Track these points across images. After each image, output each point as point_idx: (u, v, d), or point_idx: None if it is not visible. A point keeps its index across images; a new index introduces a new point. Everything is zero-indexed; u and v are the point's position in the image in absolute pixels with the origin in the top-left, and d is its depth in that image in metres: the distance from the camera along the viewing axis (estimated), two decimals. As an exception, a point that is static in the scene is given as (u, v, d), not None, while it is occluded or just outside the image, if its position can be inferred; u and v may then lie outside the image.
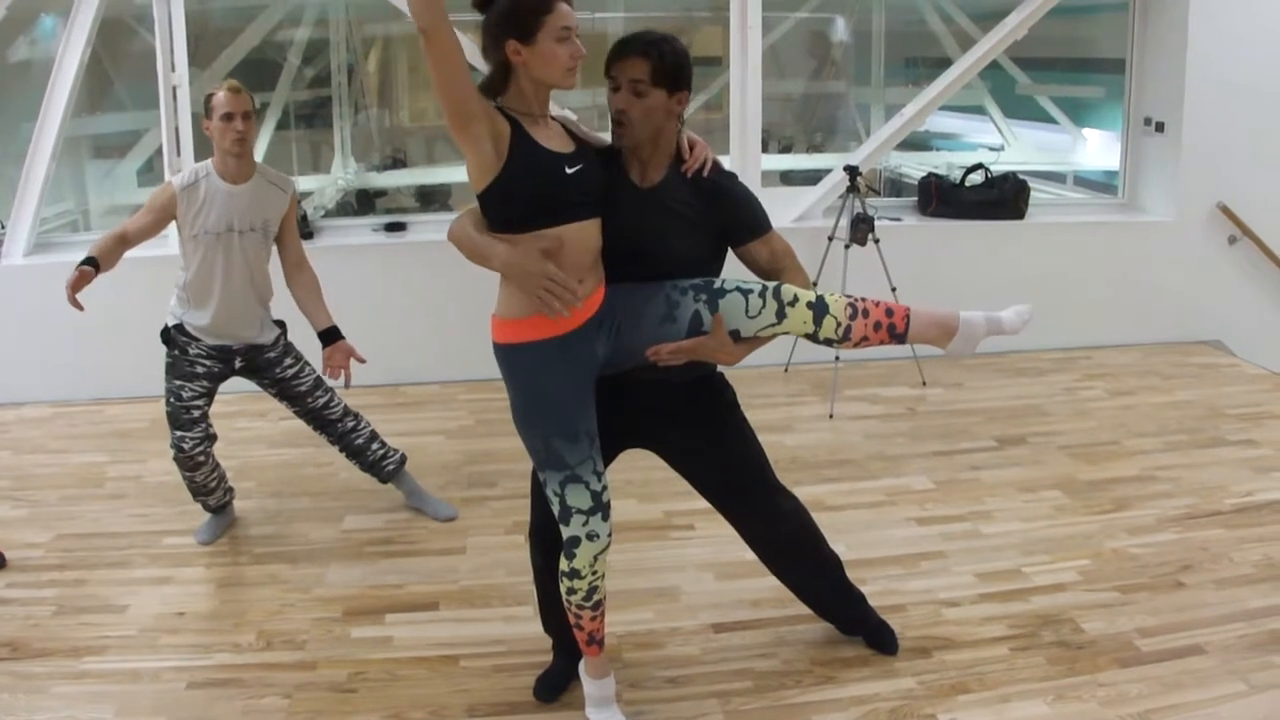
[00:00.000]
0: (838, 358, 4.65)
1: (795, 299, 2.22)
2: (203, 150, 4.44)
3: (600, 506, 2.21)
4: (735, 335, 2.22)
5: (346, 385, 3.30)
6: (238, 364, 3.32)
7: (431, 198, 6.68)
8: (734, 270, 2.33)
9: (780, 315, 2.21)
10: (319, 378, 3.42)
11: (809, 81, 7.32)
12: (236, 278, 3.20)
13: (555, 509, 2.23)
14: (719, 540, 3.09)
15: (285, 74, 6.33)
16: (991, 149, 6.68)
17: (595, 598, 2.31)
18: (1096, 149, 6.52)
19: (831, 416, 4.49)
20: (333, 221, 5.39)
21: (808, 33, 7.12)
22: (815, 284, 2.39)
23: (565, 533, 2.23)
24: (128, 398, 4.69)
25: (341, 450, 3.53)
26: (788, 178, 6.55)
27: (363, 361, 3.24)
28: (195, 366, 3.23)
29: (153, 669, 2.69)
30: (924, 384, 4.87)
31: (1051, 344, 5.29)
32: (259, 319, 3.31)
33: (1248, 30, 5.14)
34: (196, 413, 3.21)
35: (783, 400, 4.72)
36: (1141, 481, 3.77)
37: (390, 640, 2.83)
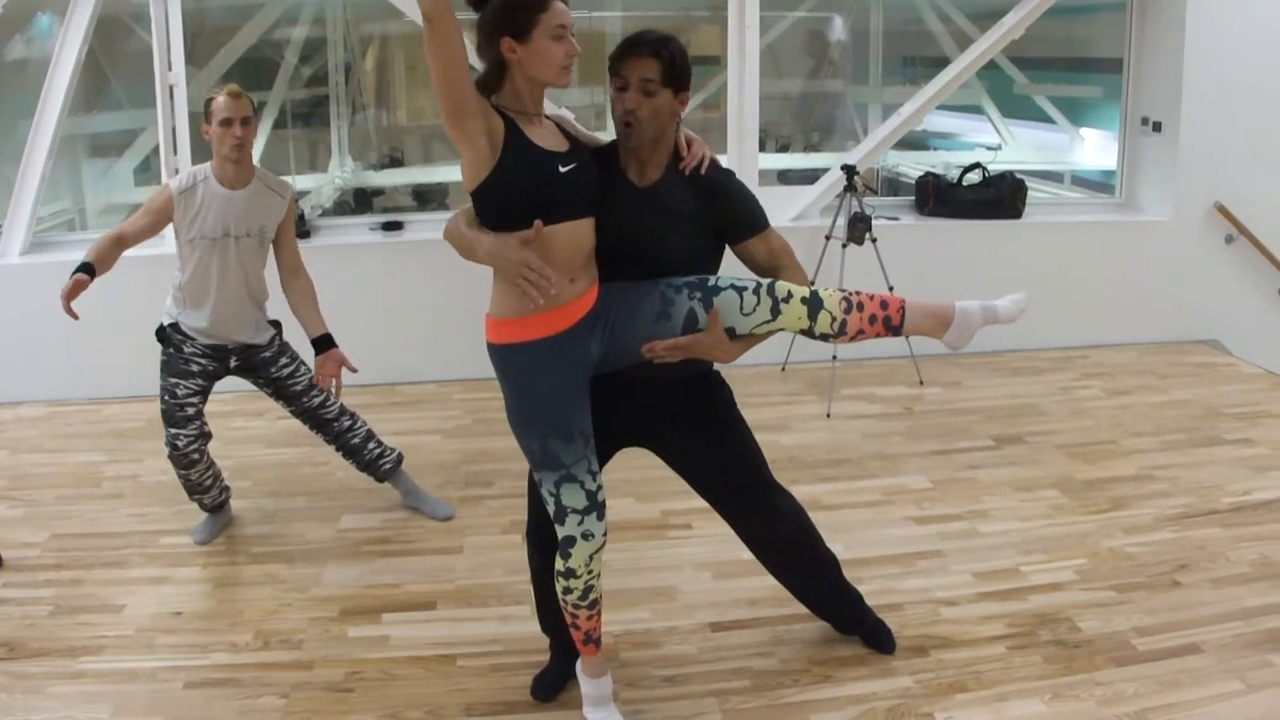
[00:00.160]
0: (835, 356, 4.65)
1: (789, 295, 2.22)
2: (199, 148, 4.44)
3: (595, 506, 2.21)
4: (731, 333, 2.22)
5: (335, 394, 3.31)
6: (233, 363, 3.32)
7: (429, 197, 6.68)
8: (731, 269, 2.33)
9: (775, 312, 2.21)
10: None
11: (806, 81, 7.31)
12: (232, 282, 3.20)
13: (550, 508, 2.23)
14: (716, 539, 3.09)
15: (282, 73, 6.32)
16: (989, 148, 6.68)
17: (591, 597, 2.31)
18: (1094, 148, 6.52)
19: (829, 415, 4.49)
20: (330, 220, 5.39)
21: (805, 32, 7.12)
22: (813, 283, 2.39)
23: (560, 532, 2.23)
24: (124, 397, 4.68)
25: (338, 450, 3.52)
26: (785, 177, 6.55)
27: (354, 371, 3.24)
28: (190, 365, 3.23)
29: (149, 669, 2.69)
30: (921, 383, 4.87)
31: (1049, 343, 5.30)
32: (254, 320, 3.31)
33: (1245, 30, 5.14)
34: (191, 410, 3.21)
35: (780, 399, 4.72)
36: (1138, 481, 3.77)
37: (387, 640, 2.83)
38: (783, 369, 5.05)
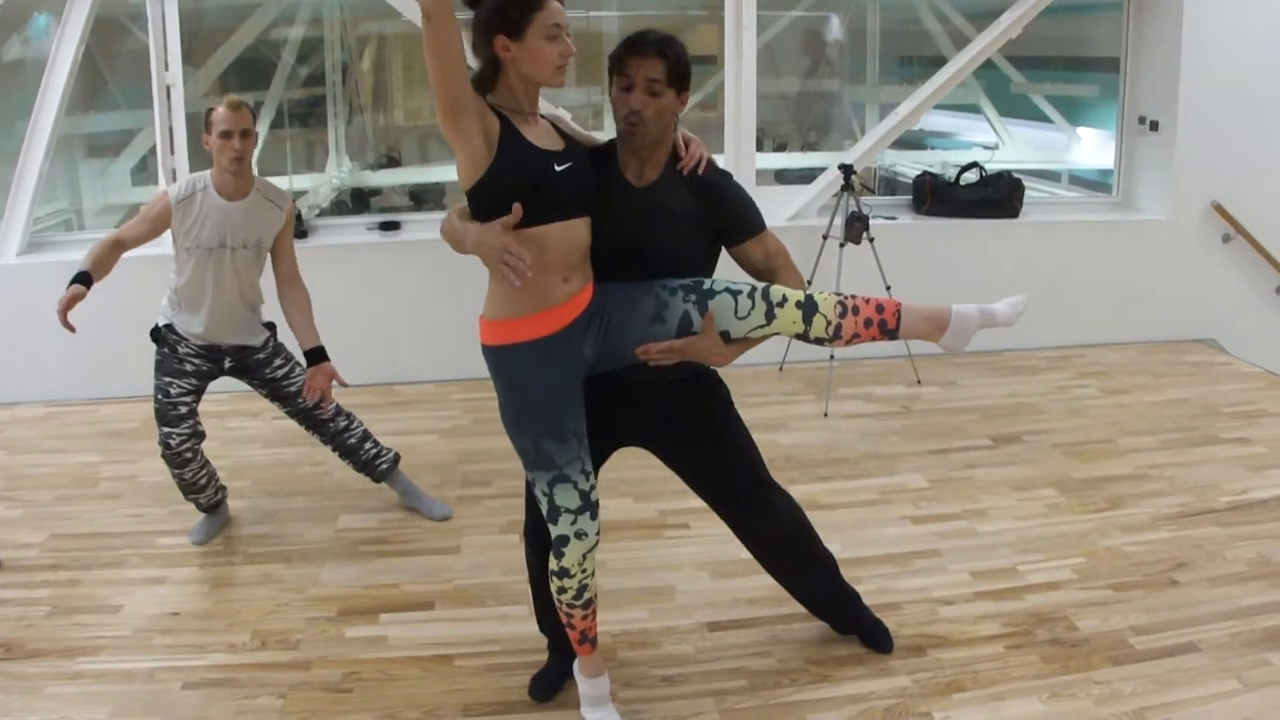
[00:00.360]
0: (832, 356, 4.65)
1: (784, 299, 2.22)
2: (196, 148, 4.43)
3: (589, 506, 2.21)
4: (725, 336, 2.22)
5: (324, 406, 3.31)
6: (227, 364, 3.32)
7: (425, 197, 6.68)
8: (727, 271, 2.33)
9: (769, 316, 2.21)
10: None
11: (804, 80, 7.32)
12: (227, 290, 3.21)
13: (544, 508, 2.23)
14: (714, 539, 3.09)
15: (279, 73, 6.32)
16: (986, 148, 6.69)
17: (586, 596, 2.31)
18: (1091, 148, 6.52)
19: (826, 415, 4.50)
20: (327, 220, 5.39)
21: (802, 31, 7.12)
22: (810, 283, 2.39)
23: (554, 531, 2.23)
24: (122, 398, 4.68)
25: (334, 450, 3.52)
26: (782, 176, 6.57)
27: (345, 385, 3.24)
28: (184, 364, 3.23)
29: (147, 669, 2.69)
30: (919, 382, 4.87)
31: (1046, 342, 5.31)
32: (249, 325, 3.32)
33: (1242, 29, 5.14)
34: (184, 409, 3.21)
35: (777, 399, 4.72)
36: (1136, 480, 3.78)
37: (385, 640, 2.83)
38: (780, 368, 5.05)
